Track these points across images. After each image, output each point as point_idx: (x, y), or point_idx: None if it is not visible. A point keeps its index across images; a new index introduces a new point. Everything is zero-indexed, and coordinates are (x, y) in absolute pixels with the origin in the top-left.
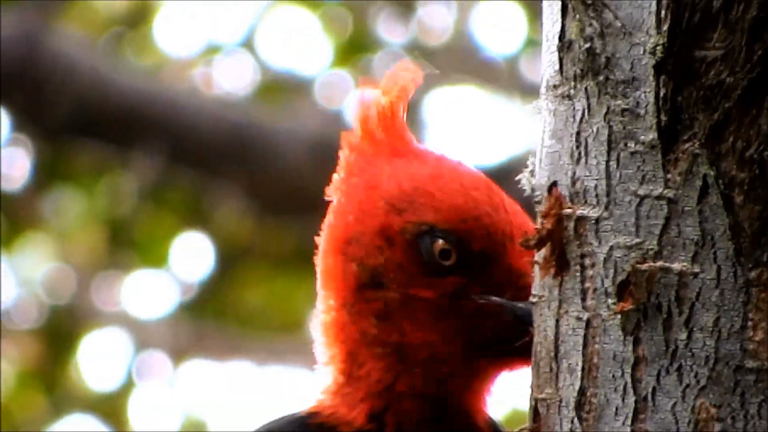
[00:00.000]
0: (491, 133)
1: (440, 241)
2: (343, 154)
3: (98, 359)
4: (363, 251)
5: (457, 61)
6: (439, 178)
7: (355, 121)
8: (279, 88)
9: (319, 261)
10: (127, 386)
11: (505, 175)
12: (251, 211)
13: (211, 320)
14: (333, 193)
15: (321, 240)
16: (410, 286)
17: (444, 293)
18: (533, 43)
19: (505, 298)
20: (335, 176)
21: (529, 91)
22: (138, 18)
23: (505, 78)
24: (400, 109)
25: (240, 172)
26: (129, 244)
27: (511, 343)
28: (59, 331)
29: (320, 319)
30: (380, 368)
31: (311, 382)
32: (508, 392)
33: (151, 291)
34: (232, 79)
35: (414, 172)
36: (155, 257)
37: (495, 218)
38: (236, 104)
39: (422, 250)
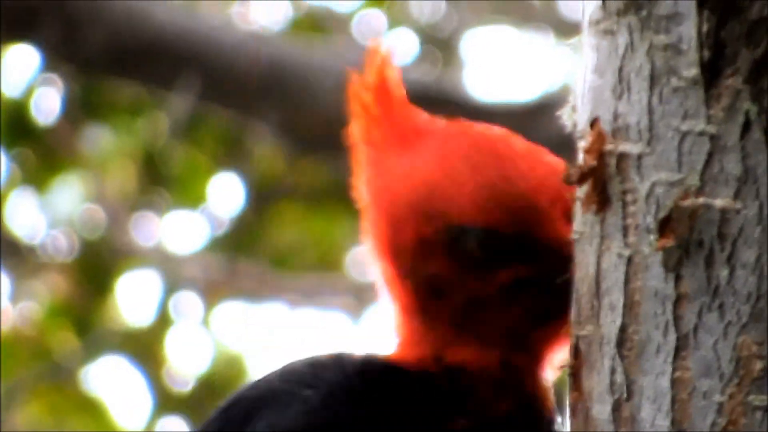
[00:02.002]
0: (527, 71)
1: (475, 238)
2: (354, 150)
3: (132, 296)
4: (410, 264)
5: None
6: (450, 169)
7: (354, 110)
8: (315, 23)
9: (374, 260)
10: (161, 323)
11: (540, 111)
12: (286, 147)
13: (244, 259)
14: (359, 188)
15: (369, 240)
16: (470, 289)
17: (502, 286)
18: None
19: (549, 268)
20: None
21: (564, 28)
22: None
23: (540, 15)
24: (393, 82)
25: (275, 108)
26: (163, 181)
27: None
28: (93, 266)
29: (393, 317)
30: (458, 352)
31: (345, 322)
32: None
33: (185, 229)
34: (268, 14)
35: (425, 168)
36: (190, 195)
37: (517, 195)
38: (272, 39)
39: (463, 251)
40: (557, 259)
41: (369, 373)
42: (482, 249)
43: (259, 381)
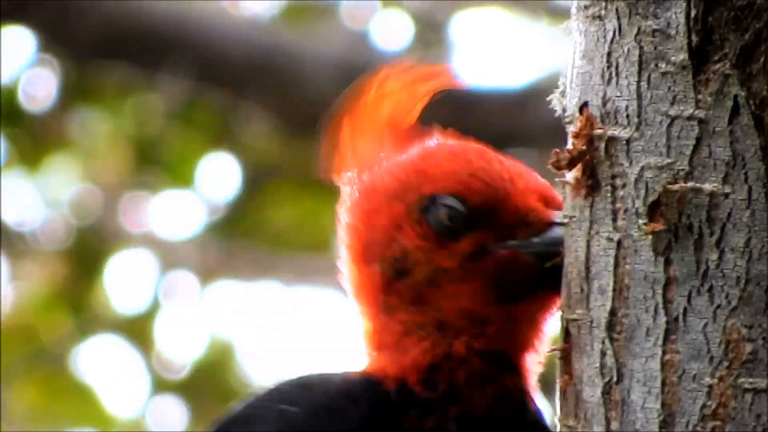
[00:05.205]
0: (518, 55)
1: (444, 207)
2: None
3: (125, 280)
4: (380, 249)
5: None
6: (429, 155)
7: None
8: (306, 9)
9: (346, 275)
10: (154, 307)
11: (532, 97)
12: (278, 130)
13: (238, 240)
14: (341, 213)
15: (342, 256)
16: (432, 260)
17: (464, 256)
18: None
19: (520, 240)
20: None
21: (556, 12)
22: None
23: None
24: (394, 106)
25: (267, 93)
26: (156, 164)
27: (540, 280)
28: (86, 251)
29: (363, 329)
30: (427, 349)
31: (339, 302)
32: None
33: (179, 211)
34: (259, 0)
35: (406, 159)
36: (182, 177)
37: (489, 171)
38: (264, 25)
39: (431, 222)
40: (523, 230)
41: (349, 392)
42: (449, 217)
43: (250, 399)
